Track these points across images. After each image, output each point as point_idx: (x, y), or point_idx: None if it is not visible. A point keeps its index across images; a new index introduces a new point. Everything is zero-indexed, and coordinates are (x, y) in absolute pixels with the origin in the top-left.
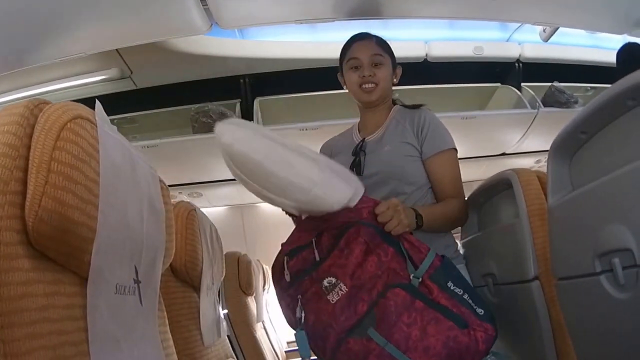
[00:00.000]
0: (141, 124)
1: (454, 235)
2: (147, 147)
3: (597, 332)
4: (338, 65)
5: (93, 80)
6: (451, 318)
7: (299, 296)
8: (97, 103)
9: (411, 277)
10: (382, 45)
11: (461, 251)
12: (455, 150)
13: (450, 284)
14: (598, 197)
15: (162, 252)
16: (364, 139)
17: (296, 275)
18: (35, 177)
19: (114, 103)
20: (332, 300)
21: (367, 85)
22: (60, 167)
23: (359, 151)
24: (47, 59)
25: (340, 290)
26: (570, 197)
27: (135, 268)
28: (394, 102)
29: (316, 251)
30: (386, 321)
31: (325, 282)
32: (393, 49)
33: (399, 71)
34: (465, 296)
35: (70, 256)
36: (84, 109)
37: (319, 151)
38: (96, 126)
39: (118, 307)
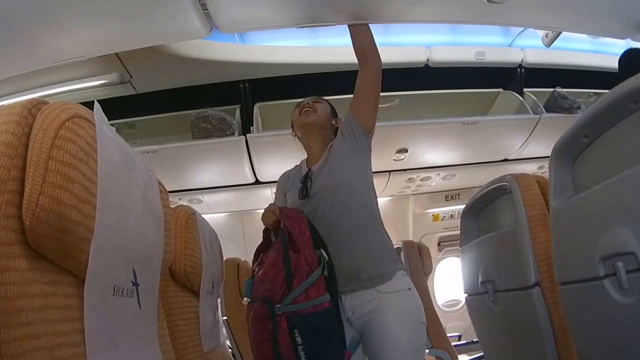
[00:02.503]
0: (141, 129)
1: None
2: (147, 152)
3: (601, 337)
4: (339, 70)
5: (92, 85)
6: (275, 351)
7: (261, 255)
8: (96, 103)
9: (275, 307)
10: (322, 99)
11: (402, 255)
12: None
13: (296, 332)
14: (601, 200)
15: (161, 255)
16: (310, 168)
17: (263, 245)
18: (32, 175)
19: (114, 107)
20: (259, 273)
21: (305, 110)
22: (58, 166)
23: (306, 179)
24: (46, 62)
25: (260, 270)
26: (573, 201)
27: (134, 270)
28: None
29: (272, 234)
30: (254, 316)
31: (265, 259)
32: (395, 54)
33: (339, 120)
34: (300, 347)
35: (68, 256)
36: (82, 109)
37: (277, 182)
38: (94, 126)
39: (116, 309)
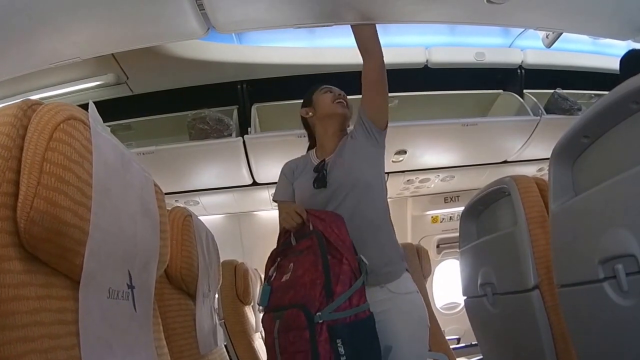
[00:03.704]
0: (137, 130)
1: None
2: (143, 153)
3: (600, 340)
4: (336, 71)
5: (89, 86)
6: None
7: (278, 259)
8: (91, 104)
9: (316, 314)
10: None
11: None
12: None
13: (339, 342)
14: (601, 202)
15: (157, 257)
16: (324, 159)
17: (281, 249)
18: (27, 178)
19: (110, 109)
20: (282, 279)
21: (340, 101)
22: (53, 168)
23: (321, 168)
24: (42, 64)
25: (288, 276)
26: (573, 202)
27: (129, 273)
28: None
29: (293, 237)
30: (283, 325)
31: (290, 264)
32: (394, 55)
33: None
34: (343, 358)
35: (62, 258)
36: (77, 110)
37: (281, 172)
38: (89, 127)
39: (111, 312)
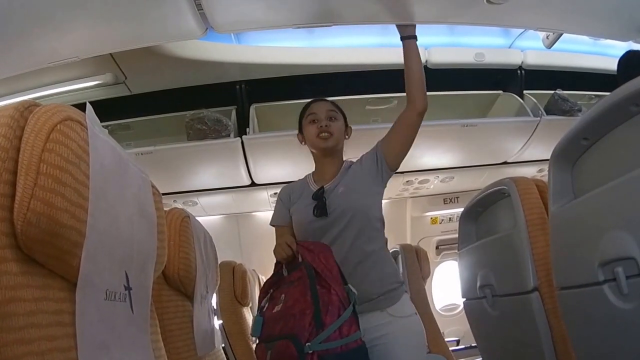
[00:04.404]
0: (135, 130)
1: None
2: (141, 154)
3: (600, 343)
4: (335, 72)
5: (87, 86)
6: None
7: (271, 290)
8: (88, 105)
9: (305, 345)
10: (336, 106)
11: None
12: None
13: None
14: (601, 204)
15: (154, 259)
16: (322, 186)
17: (274, 280)
18: (24, 179)
19: (108, 109)
20: (273, 310)
21: (323, 134)
22: (50, 169)
23: (320, 195)
24: (40, 63)
25: (279, 307)
26: (573, 205)
27: (126, 274)
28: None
29: (284, 269)
30: (274, 356)
31: (281, 295)
32: (391, 55)
33: (350, 130)
34: None
35: (59, 260)
36: (74, 111)
37: (278, 196)
38: (86, 129)
39: (108, 313)
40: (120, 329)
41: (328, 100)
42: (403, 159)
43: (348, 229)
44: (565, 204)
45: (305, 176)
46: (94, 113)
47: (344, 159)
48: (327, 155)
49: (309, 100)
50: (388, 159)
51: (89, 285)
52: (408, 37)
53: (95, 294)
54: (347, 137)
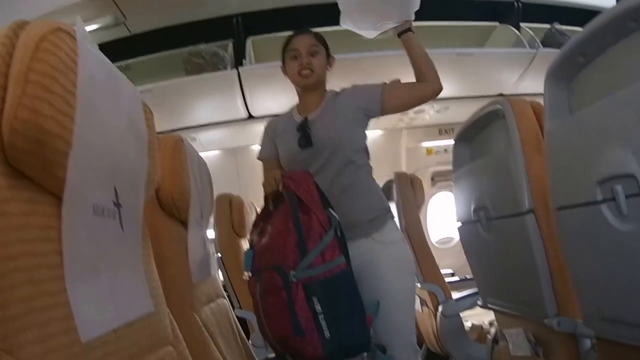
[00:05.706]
0: (135, 71)
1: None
2: (141, 92)
3: (597, 263)
4: (331, 1)
5: (88, 30)
6: (293, 323)
7: (261, 224)
8: (77, 17)
9: (290, 273)
10: (318, 38)
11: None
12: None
13: (315, 299)
14: (599, 120)
15: (144, 177)
16: (306, 117)
17: (263, 214)
18: (13, 89)
19: (108, 51)
20: (261, 242)
21: (305, 72)
22: (38, 77)
23: (304, 126)
24: (40, 9)
25: (266, 239)
26: (569, 122)
27: (115, 190)
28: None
29: (271, 203)
30: (263, 288)
31: (268, 227)
32: None
33: (332, 60)
34: (321, 316)
35: (46, 172)
36: (64, 24)
37: (264, 130)
38: (77, 40)
39: (96, 229)
40: (110, 246)
41: (310, 32)
42: (392, 113)
43: (332, 159)
44: (562, 121)
45: (290, 109)
46: (83, 25)
47: (338, 89)
48: (309, 89)
49: None
50: (385, 108)
51: (76, 198)
52: (403, 32)
53: (83, 208)
54: (329, 68)
